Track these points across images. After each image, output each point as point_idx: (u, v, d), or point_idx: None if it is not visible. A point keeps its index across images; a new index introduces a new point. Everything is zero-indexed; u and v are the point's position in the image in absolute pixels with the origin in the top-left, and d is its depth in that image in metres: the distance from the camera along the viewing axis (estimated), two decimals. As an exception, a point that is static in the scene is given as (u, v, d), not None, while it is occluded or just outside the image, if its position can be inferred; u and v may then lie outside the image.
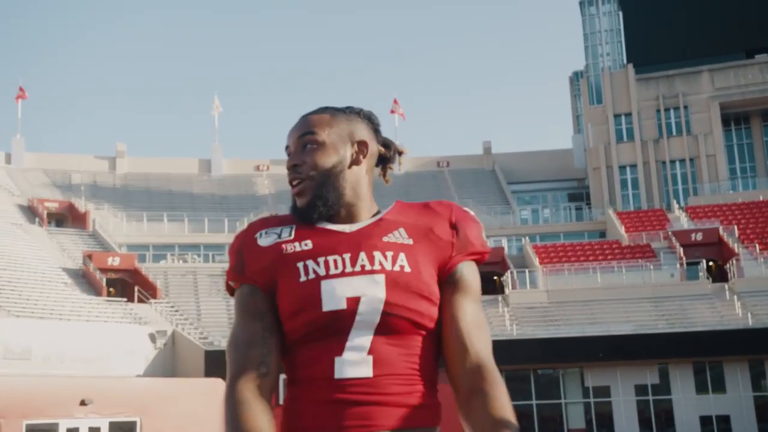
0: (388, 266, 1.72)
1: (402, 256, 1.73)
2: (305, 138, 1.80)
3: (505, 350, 29.08)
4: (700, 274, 34.09)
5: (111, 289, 32.65)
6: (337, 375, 1.63)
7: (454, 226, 1.80)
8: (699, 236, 36.89)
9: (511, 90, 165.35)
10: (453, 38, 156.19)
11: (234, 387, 1.65)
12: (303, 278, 1.69)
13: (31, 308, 26.95)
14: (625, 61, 51.30)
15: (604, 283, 34.09)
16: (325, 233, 1.77)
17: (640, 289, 33.41)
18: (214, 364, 25.11)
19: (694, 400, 28.60)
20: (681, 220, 40.28)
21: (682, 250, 35.69)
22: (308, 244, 1.74)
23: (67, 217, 40.33)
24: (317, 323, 1.66)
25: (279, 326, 1.73)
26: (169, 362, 26.88)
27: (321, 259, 1.72)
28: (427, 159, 54.28)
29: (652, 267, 34.73)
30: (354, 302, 1.67)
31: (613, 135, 49.03)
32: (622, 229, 39.93)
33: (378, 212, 1.84)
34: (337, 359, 1.65)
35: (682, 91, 48.63)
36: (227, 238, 38.53)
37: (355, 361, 1.64)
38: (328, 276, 1.69)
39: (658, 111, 48.85)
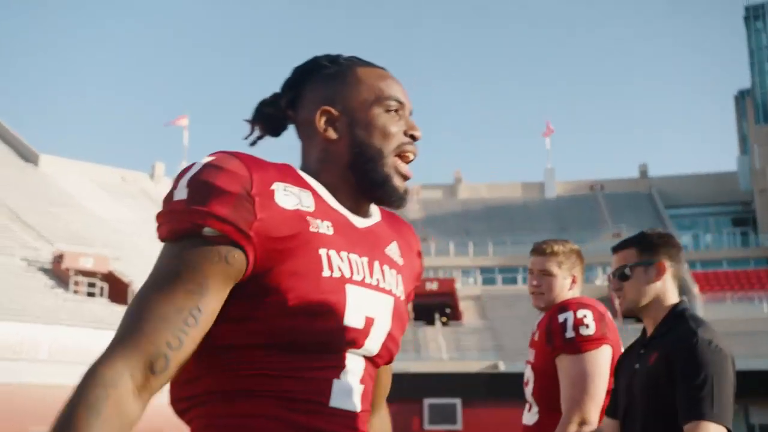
0: (395, 290, 1.44)
1: (399, 278, 1.47)
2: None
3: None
4: None
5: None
6: (333, 403, 1.31)
7: (419, 255, 1.60)
8: None
9: (670, 110, 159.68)
10: (608, 57, 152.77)
11: (101, 375, 1.14)
12: (327, 273, 1.30)
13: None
14: (795, 78, 48.28)
15: (771, 314, 32.00)
16: (342, 219, 1.39)
17: (811, 322, 31.08)
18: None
19: None
20: None
21: None
22: (329, 228, 1.34)
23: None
24: (332, 336, 1.30)
25: (212, 318, 1.25)
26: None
27: (344, 255, 1.34)
28: (579, 183, 52.99)
29: (825, 297, 32.28)
30: (369, 324, 1.35)
31: (782, 156, 46.16)
32: (792, 256, 37.42)
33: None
34: (335, 382, 1.31)
35: None
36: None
37: (349, 390, 1.34)
38: (352, 280, 1.33)
39: (833, 130, 45.62)
